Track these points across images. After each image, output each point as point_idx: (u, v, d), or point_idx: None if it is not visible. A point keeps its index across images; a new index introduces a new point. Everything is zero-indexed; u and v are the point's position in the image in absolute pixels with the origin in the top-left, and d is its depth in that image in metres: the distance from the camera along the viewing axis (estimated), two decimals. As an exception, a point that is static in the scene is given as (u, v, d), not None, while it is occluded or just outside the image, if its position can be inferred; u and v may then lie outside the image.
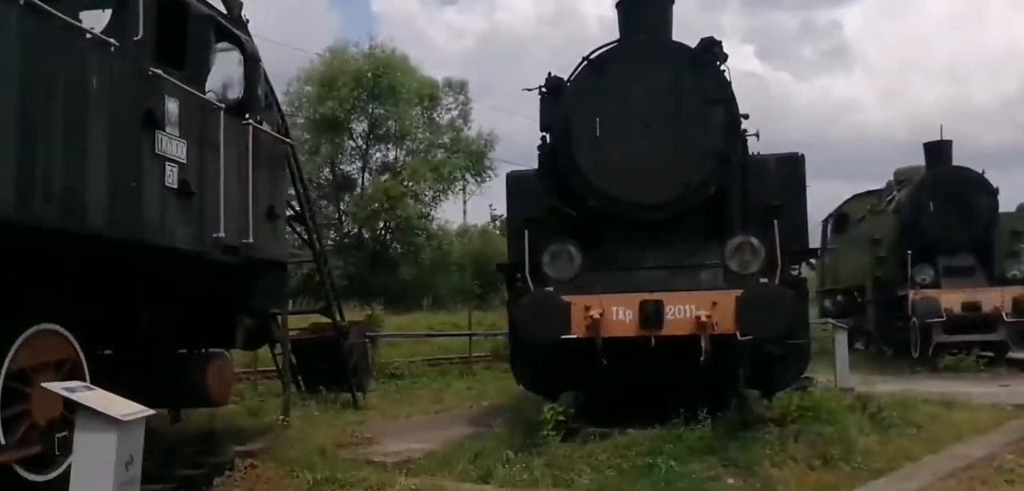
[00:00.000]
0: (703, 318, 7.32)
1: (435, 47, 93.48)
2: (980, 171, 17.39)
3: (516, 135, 74.16)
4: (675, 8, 9.07)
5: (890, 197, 19.80)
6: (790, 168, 8.99)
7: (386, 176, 37.19)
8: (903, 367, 16.89)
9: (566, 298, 7.60)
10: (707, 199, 8.28)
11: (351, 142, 37.63)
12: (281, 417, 9.94)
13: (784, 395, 9.38)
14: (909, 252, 17.03)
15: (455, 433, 9.27)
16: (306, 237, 11.82)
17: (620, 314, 7.57)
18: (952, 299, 16.43)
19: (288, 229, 11.11)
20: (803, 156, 9.09)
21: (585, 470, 6.93)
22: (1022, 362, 16.40)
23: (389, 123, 36.41)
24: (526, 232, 8.03)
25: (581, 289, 7.79)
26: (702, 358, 7.30)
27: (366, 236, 36.84)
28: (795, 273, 8.60)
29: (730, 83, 8.41)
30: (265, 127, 8.17)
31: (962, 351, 16.41)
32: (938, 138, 18.06)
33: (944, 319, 16.34)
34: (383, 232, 36.62)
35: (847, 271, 21.59)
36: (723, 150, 8.13)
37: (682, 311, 7.48)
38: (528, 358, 8.40)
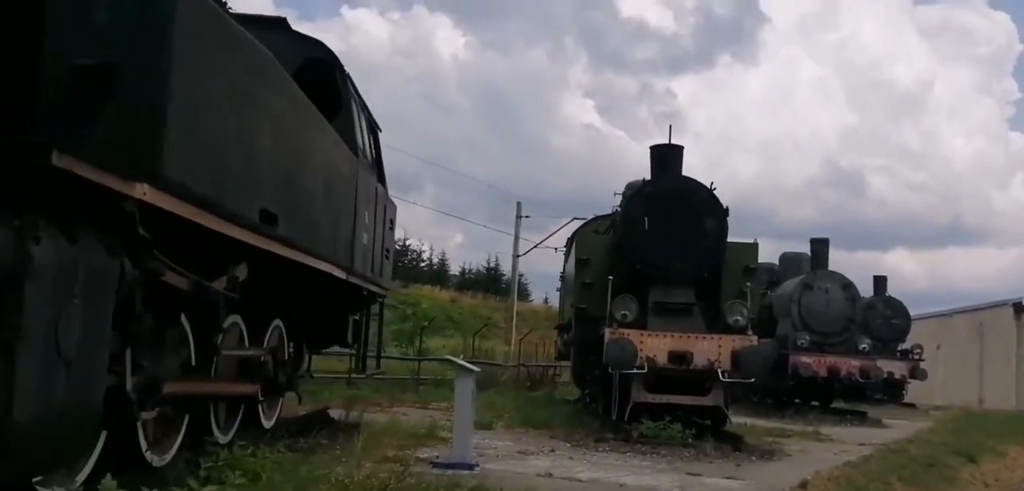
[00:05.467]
0: None
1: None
2: (709, 185, 13.53)
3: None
4: None
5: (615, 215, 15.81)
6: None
7: None
8: (594, 432, 12.71)
9: None
10: None
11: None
12: None
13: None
14: (610, 278, 12.88)
15: None
16: None
17: None
18: (656, 345, 12.33)
19: None
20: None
21: None
22: (737, 439, 12.50)
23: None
24: None
25: None
26: None
27: None
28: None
29: None
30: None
31: (668, 417, 12.33)
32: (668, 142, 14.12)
33: (644, 371, 12.21)
34: None
35: (569, 302, 17.47)
36: None
37: None
38: None
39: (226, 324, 7.56)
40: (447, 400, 18.52)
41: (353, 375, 10.72)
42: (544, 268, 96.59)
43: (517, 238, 30.04)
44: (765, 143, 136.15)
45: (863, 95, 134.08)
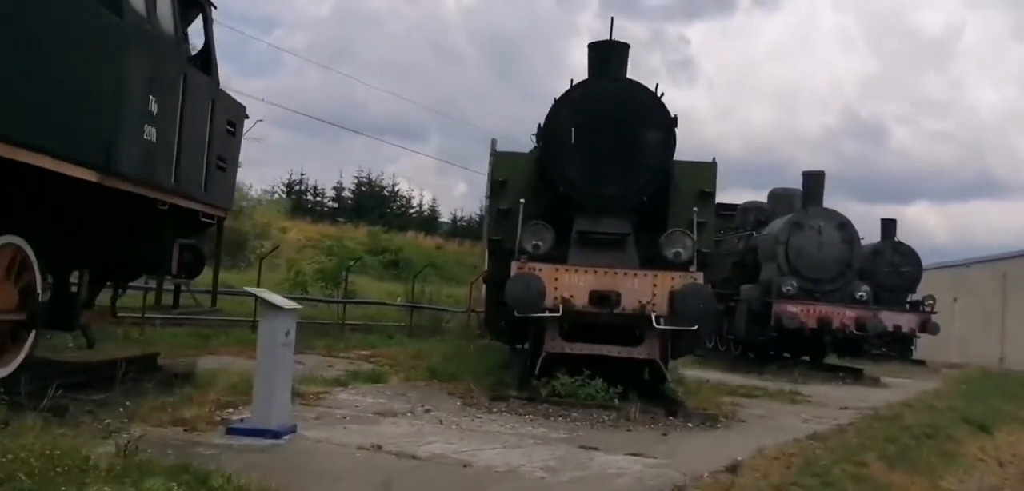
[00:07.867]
0: None
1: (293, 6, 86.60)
2: (655, 89, 11.03)
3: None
4: None
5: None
6: None
7: None
8: (498, 388, 10.43)
9: None
10: None
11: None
12: None
13: None
14: (522, 201, 10.49)
15: None
16: None
17: None
18: (574, 283, 9.93)
19: None
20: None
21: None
22: (672, 401, 10.13)
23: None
24: None
25: None
26: None
27: None
28: None
29: None
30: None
31: (587, 372, 10.00)
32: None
33: (558, 314, 9.86)
34: None
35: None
36: None
37: None
38: None
39: None
40: (375, 348, 16.35)
41: (151, 314, 8.59)
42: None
43: (490, 177, 27.70)
44: (781, 92, 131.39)
45: (886, 42, 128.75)
